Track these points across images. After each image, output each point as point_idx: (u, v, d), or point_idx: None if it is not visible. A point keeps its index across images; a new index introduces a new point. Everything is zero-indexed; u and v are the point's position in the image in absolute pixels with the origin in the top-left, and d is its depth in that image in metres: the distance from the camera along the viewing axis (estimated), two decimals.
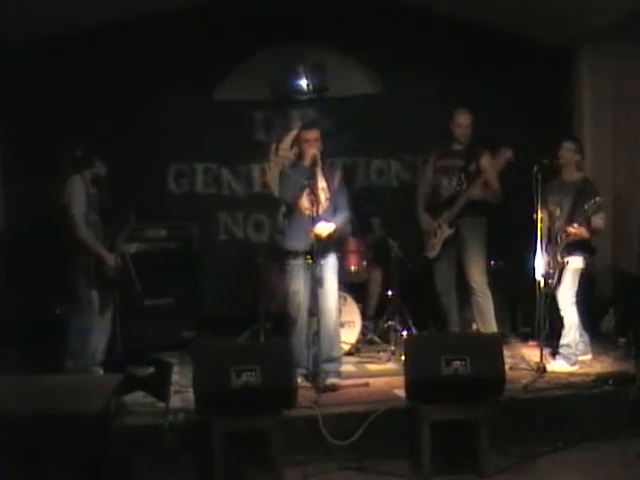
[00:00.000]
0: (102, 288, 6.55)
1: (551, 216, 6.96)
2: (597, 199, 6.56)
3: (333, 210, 6.61)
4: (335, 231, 6.52)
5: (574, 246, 6.80)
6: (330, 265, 6.59)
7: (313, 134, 6.57)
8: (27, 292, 7.65)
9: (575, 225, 6.66)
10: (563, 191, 6.93)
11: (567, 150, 6.94)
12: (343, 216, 6.66)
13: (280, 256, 6.89)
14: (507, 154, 7.06)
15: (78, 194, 6.47)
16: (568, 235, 6.72)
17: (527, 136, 8.09)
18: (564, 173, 7.00)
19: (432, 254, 7.50)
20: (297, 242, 6.56)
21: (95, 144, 6.83)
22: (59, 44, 8.09)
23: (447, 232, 7.38)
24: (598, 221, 6.77)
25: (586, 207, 6.59)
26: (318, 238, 6.36)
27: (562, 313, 6.90)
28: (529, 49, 8.74)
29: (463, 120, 7.39)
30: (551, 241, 6.90)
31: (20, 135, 8.02)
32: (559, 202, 6.91)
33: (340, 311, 7.02)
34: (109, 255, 6.54)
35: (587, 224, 6.71)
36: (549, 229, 6.96)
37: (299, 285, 6.59)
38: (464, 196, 7.26)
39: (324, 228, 6.40)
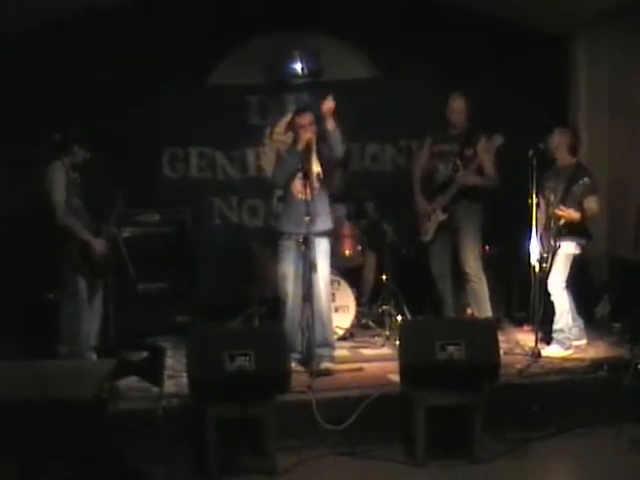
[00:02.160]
0: (90, 274, 6.49)
1: (548, 203, 6.95)
2: (585, 180, 6.56)
3: (326, 194, 6.62)
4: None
5: (566, 230, 6.78)
6: (321, 249, 6.58)
7: (306, 118, 6.56)
8: (21, 278, 7.60)
9: (562, 207, 6.65)
10: (558, 177, 6.93)
11: (554, 135, 6.94)
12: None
13: (274, 239, 6.88)
14: (498, 141, 7.05)
15: (58, 180, 6.39)
16: (558, 218, 6.71)
17: (523, 122, 8.05)
18: (558, 159, 7.00)
19: (426, 238, 7.49)
20: (290, 224, 6.56)
21: (77, 129, 6.75)
22: (54, 34, 8.05)
23: (441, 217, 7.37)
24: (591, 204, 6.74)
25: (574, 188, 6.59)
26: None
27: (553, 298, 6.89)
28: (525, 36, 8.69)
29: (456, 105, 7.36)
30: (546, 227, 6.90)
31: (16, 124, 7.96)
32: (554, 188, 6.90)
33: (334, 296, 7.01)
34: (95, 240, 6.48)
35: (578, 206, 6.69)
36: (546, 215, 6.95)
37: (288, 268, 6.58)
38: (457, 182, 7.25)
39: None
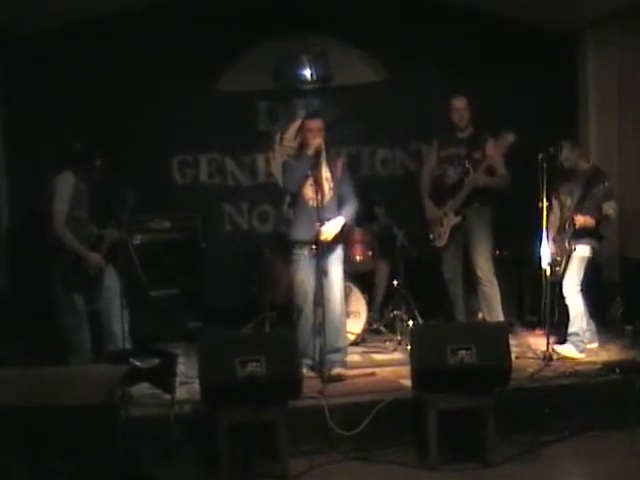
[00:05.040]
0: (85, 288, 6.44)
1: (562, 206, 6.94)
2: (606, 184, 6.57)
3: (338, 200, 6.60)
4: (344, 225, 6.53)
5: (581, 234, 6.78)
6: (336, 255, 6.58)
7: (316, 124, 6.54)
8: (34, 286, 7.60)
9: (579, 216, 6.65)
10: (573, 181, 6.90)
11: (563, 149, 6.90)
12: (351, 207, 6.64)
13: (285, 246, 6.87)
14: (509, 138, 7.01)
15: (64, 190, 6.34)
16: (575, 224, 6.71)
17: (532, 124, 8.05)
18: (572, 167, 6.97)
19: (440, 243, 7.48)
20: (303, 232, 6.53)
21: (96, 139, 6.74)
22: (62, 39, 8.08)
23: (454, 220, 7.36)
24: (609, 210, 6.75)
25: (595, 191, 6.57)
26: (325, 240, 6.38)
27: (567, 302, 6.88)
28: (533, 35, 8.69)
29: (458, 104, 7.39)
30: (560, 230, 6.89)
31: (27, 133, 8.00)
32: (570, 192, 6.89)
33: (346, 301, 7.00)
34: (91, 254, 6.39)
35: (596, 210, 6.68)
36: (561, 219, 6.93)
37: (305, 275, 6.56)
38: (469, 183, 7.23)
39: (330, 231, 6.41)
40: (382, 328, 7.94)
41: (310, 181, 6.44)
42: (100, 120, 7.89)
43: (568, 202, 6.88)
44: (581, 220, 6.68)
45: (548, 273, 6.82)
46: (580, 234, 6.78)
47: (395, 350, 7.36)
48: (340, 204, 6.60)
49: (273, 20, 8.43)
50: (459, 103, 7.39)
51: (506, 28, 8.69)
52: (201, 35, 8.31)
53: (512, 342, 6.03)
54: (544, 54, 8.66)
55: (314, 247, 6.41)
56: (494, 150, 7.18)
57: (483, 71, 8.45)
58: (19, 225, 7.96)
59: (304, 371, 6.00)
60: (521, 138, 7.02)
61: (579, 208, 6.73)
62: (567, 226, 6.81)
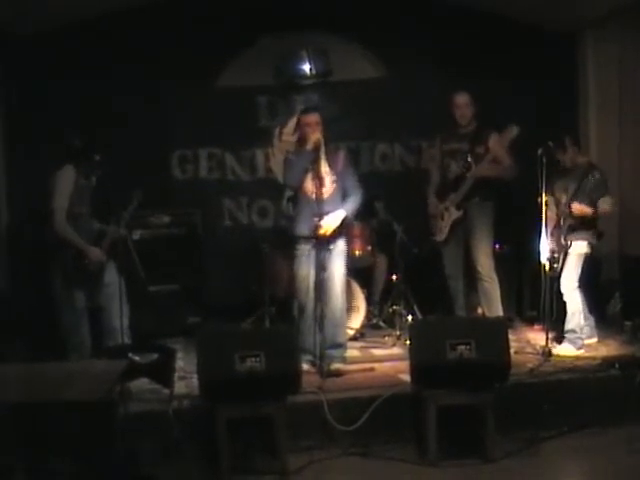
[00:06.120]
0: (86, 284, 6.43)
1: (558, 203, 6.93)
2: (597, 175, 6.54)
3: (342, 193, 6.60)
4: (345, 218, 6.52)
5: (578, 229, 6.76)
6: (338, 251, 6.58)
7: (313, 118, 6.55)
8: (34, 286, 7.60)
9: (576, 203, 6.63)
10: (568, 177, 6.89)
11: (559, 147, 6.90)
12: (355, 199, 6.63)
13: (286, 241, 6.87)
14: (514, 131, 6.98)
15: (64, 186, 6.33)
16: (570, 213, 6.68)
17: (532, 121, 8.02)
18: (568, 163, 6.97)
19: (440, 237, 7.47)
20: (305, 227, 6.53)
21: (95, 135, 6.74)
22: (62, 39, 8.09)
23: (455, 215, 7.33)
24: (604, 205, 6.73)
25: (584, 182, 6.56)
26: (324, 236, 6.37)
27: (565, 298, 6.87)
28: (533, 35, 8.69)
29: (461, 100, 7.34)
30: (557, 226, 6.88)
31: (27, 133, 8.01)
32: (565, 188, 6.87)
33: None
34: (92, 248, 6.38)
35: (589, 202, 6.66)
36: (557, 215, 6.92)
37: (308, 270, 6.55)
38: (471, 177, 7.21)
39: (329, 224, 6.41)
40: (381, 323, 7.94)
41: (311, 175, 6.45)
42: (100, 120, 7.88)
43: (563, 199, 6.86)
44: (577, 208, 6.64)
45: (547, 268, 6.81)
46: (575, 229, 6.76)
47: (394, 345, 7.35)
48: (345, 197, 6.61)
49: (273, 20, 8.44)
50: (461, 99, 7.33)
51: (506, 28, 8.69)
52: (201, 35, 8.32)
53: (511, 337, 6.03)
54: (544, 54, 8.65)
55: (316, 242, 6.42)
56: (497, 144, 7.15)
57: (483, 71, 8.43)
58: (19, 224, 7.96)
59: (303, 366, 6.00)
60: (521, 137, 7.01)
61: (574, 199, 6.70)
62: (563, 220, 6.79)
